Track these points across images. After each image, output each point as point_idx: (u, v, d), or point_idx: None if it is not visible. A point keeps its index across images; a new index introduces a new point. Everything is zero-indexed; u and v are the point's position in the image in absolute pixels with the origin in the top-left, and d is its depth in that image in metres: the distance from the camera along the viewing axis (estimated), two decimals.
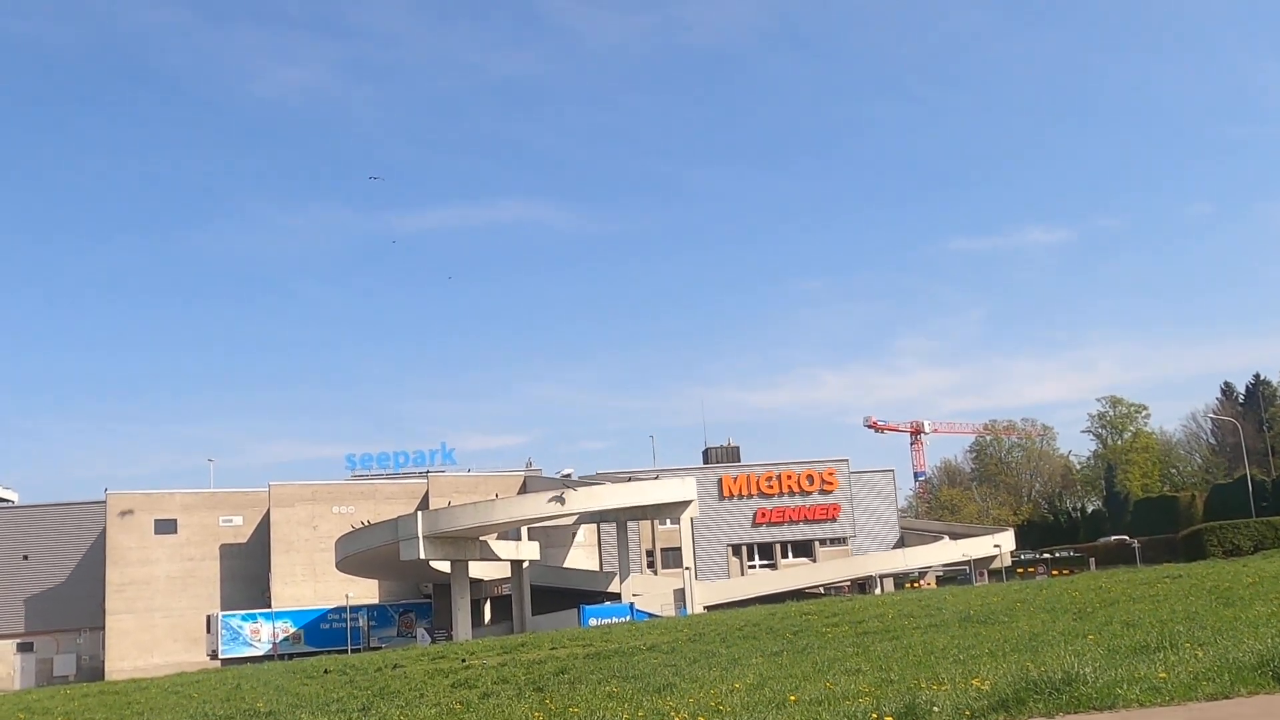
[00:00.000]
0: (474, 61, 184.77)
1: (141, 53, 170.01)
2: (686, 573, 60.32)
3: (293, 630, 66.04)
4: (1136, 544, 69.15)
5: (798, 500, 78.77)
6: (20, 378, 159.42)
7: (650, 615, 54.97)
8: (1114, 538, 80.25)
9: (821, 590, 68.58)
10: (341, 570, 65.36)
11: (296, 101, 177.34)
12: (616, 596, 61.59)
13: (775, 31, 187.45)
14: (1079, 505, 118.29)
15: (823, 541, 79.33)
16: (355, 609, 66.57)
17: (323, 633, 65.90)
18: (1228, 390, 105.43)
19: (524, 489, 74.10)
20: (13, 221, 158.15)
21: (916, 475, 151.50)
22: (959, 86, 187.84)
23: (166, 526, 72.89)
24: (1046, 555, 78.37)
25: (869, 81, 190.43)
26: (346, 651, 56.49)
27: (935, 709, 10.27)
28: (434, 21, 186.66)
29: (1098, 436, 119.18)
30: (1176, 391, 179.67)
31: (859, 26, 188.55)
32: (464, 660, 27.67)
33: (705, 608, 58.12)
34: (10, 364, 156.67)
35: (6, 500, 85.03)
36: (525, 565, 64.48)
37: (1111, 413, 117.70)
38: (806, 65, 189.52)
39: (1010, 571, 70.98)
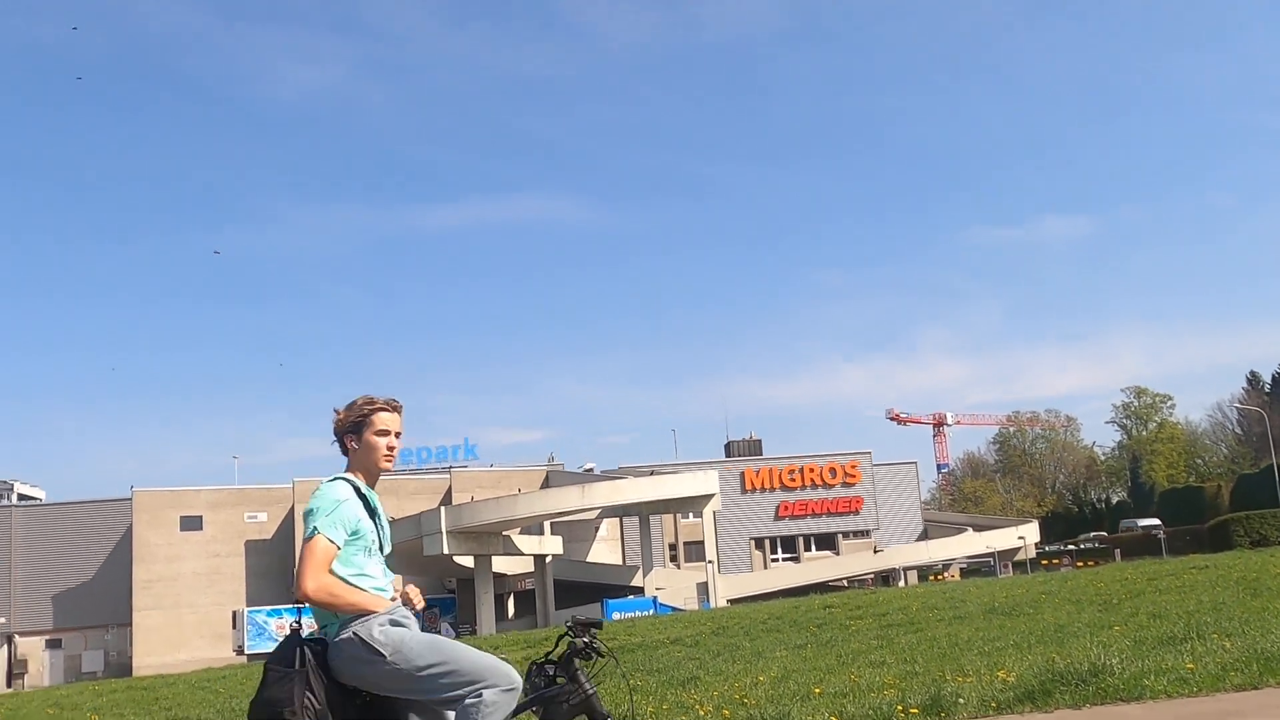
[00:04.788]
0: (492, 59, 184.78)
1: (161, 55, 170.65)
2: (709, 566, 60.35)
3: (317, 626, 66.33)
4: (1162, 535, 68.80)
5: (820, 493, 78.65)
6: (47, 377, 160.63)
7: (673, 609, 54.96)
8: (1143, 521, 79.22)
9: (845, 583, 68.43)
10: None
11: (316, 101, 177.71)
12: (640, 590, 61.65)
13: (793, 26, 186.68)
14: (1104, 496, 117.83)
15: (846, 534, 79.20)
16: None
17: None
18: (1254, 379, 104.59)
19: (546, 483, 74.24)
20: (39, 224, 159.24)
21: (939, 467, 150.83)
22: (979, 77, 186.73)
23: (192, 523, 73.39)
24: (1071, 546, 78.06)
25: (888, 74, 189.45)
26: None
27: (961, 701, 10.24)
28: (452, 20, 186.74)
29: (1122, 427, 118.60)
30: (1201, 382, 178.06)
31: (877, 19, 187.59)
32: None
33: (728, 601, 58.12)
34: (37, 364, 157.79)
35: (34, 498, 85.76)
36: (548, 560, 64.63)
37: (1136, 403, 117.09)
38: (825, 59, 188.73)
39: (1035, 563, 70.71)
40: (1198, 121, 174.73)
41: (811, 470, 78.84)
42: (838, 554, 76.92)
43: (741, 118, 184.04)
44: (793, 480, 78.60)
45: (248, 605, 68.79)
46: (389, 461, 5.12)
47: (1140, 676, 10.34)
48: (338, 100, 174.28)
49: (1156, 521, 77.50)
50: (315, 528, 4.77)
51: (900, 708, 10.25)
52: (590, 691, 5.03)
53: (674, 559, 74.41)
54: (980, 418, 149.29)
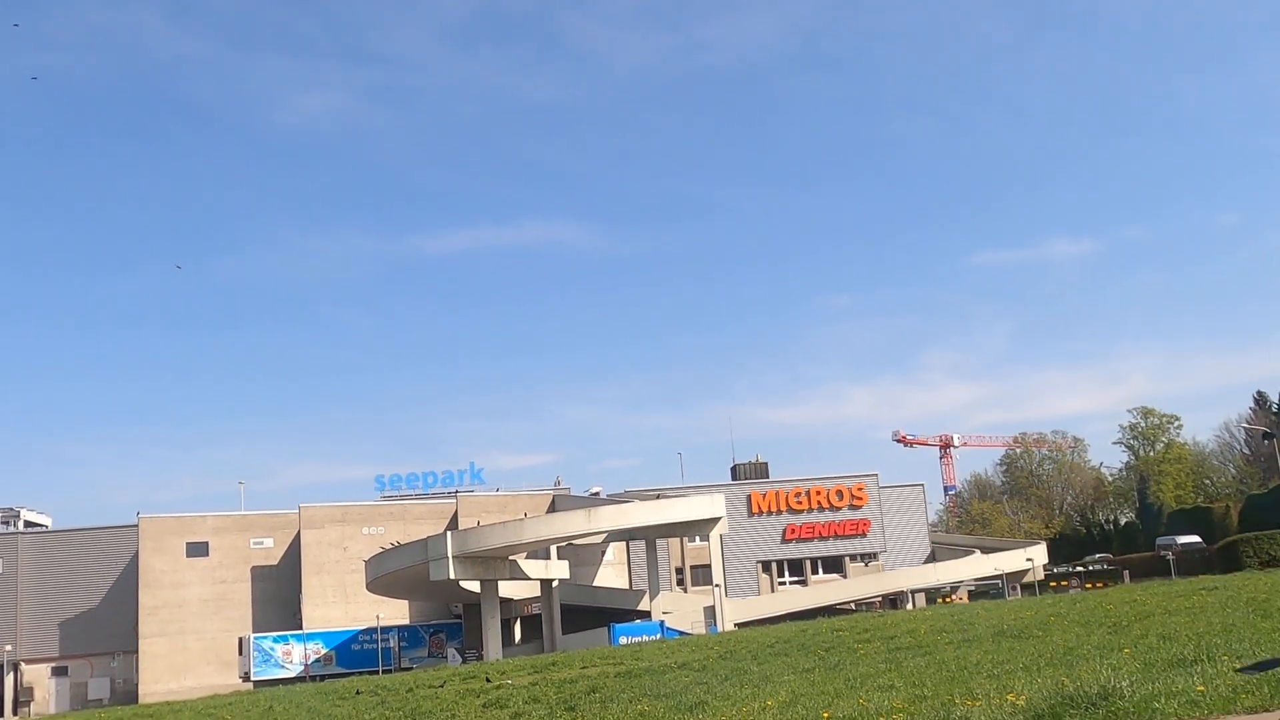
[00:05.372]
0: (498, 85, 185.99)
1: (170, 82, 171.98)
2: (716, 590, 60.13)
3: (324, 652, 66.18)
4: (1170, 555, 68.47)
5: (827, 516, 78.40)
6: (53, 404, 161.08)
7: (681, 633, 54.79)
8: (1182, 539, 76.28)
9: (852, 606, 68.19)
10: (372, 591, 65.51)
11: (322, 127, 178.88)
12: (646, 614, 61.46)
13: (799, 50, 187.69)
14: (1112, 517, 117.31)
15: (853, 557, 78.89)
16: (386, 630, 66.66)
17: (354, 654, 66.01)
18: (1260, 399, 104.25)
19: (553, 508, 74.06)
20: (46, 251, 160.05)
21: (946, 489, 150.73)
22: (983, 100, 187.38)
23: (198, 549, 73.27)
24: (1079, 568, 77.66)
25: (892, 97, 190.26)
26: (378, 672, 56.51)
27: None
28: (458, 47, 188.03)
29: (1129, 448, 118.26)
30: (1208, 402, 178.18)
31: (881, 43, 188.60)
32: (487, 678, 27.66)
33: (736, 625, 57.90)
34: (43, 390, 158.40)
35: (40, 525, 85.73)
36: (555, 584, 64.43)
37: (1143, 424, 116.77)
38: (829, 82, 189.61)
39: (1043, 585, 70.36)
40: (1202, 142, 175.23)
41: (818, 493, 78.60)
42: (845, 577, 76.60)
43: (748, 142, 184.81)
44: (799, 503, 78.37)
45: (254, 631, 68.63)
46: None
47: (1151, 699, 10.28)
48: (344, 126, 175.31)
49: (1197, 539, 76.23)
50: None
51: None
52: None
53: (681, 583, 74.17)
54: (987, 439, 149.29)
